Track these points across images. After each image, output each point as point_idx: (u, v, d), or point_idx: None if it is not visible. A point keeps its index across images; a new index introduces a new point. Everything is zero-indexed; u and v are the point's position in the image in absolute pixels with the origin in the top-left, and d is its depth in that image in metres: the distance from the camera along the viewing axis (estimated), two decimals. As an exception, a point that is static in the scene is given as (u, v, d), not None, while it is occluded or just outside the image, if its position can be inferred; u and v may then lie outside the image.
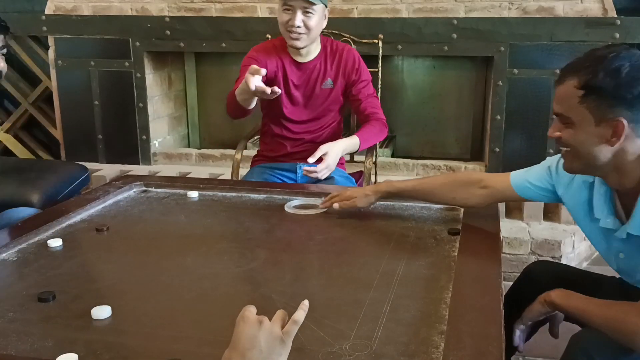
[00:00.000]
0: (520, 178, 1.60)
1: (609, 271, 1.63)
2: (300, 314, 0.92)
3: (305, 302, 0.94)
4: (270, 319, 0.91)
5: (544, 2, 2.98)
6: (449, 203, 1.74)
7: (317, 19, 2.15)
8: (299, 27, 2.12)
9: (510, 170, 3.35)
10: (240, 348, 0.86)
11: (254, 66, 1.91)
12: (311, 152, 2.19)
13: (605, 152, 1.28)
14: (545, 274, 1.63)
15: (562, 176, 1.50)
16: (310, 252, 1.56)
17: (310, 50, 2.25)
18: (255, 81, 1.87)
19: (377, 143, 2.44)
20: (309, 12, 2.12)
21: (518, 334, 1.48)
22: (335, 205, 1.74)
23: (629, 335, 1.23)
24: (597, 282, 1.60)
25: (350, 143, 2.15)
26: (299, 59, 2.25)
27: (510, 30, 3.01)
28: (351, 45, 2.52)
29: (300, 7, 2.11)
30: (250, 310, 0.91)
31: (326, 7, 2.19)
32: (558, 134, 1.34)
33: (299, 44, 2.18)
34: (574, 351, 1.29)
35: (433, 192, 1.71)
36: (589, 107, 1.26)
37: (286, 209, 1.81)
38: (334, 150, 2.08)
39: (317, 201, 1.84)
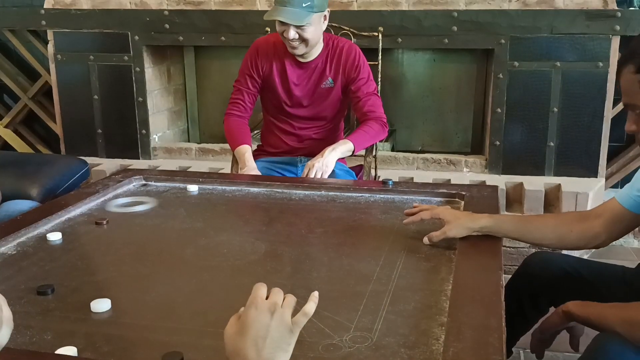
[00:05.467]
0: (625, 192, 1.48)
1: (611, 262, 1.62)
2: (311, 306, 0.92)
3: (315, 294, 0.94)
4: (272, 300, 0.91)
5: (544, -6, 2.97)
6: (560, 242, 1.55)
7: (313, 28, 2.10)
8: (293, 39, 2.10)
9: (511, 164, 3.36)
10: (252, 335, 0.86)
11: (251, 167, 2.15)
12: (313, 148, 2.20)
13: None
14: (546, 265, 1.62)
15: None
16: (310, 244, 1.55)
17: (313, 51, 2.22)
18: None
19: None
20: (302, 26, 2.07)
21: (535, 344, 1.47)
22: (425, 240, 1.48)
23: None
24: (598, 272, 1.58)
25: (343, 149, 2.13)
26: (301, 59, 2.24)
27: (511, 23, 3.00)
28: (351, 39, 2.51)
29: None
30: (262, 296, 0.90)
31: (323, 11, 2.13)
32: (634, 127, 1.29)
33: (297, 52, 2.17)
34: (595, 355, 1.25)
35: (545, 229, 1.52)
36: None
37: (107, 208, 1.77)
38: (324, 154, 2.09)
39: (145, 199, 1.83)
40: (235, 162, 2.37)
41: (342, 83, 2.26)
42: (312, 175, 2.04)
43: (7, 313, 0.88)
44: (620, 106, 3.24)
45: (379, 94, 2.34)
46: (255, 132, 2.71)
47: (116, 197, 1.89)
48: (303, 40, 2.11)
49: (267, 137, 2.43)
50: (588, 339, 1.32)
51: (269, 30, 2.65)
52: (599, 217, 1.50)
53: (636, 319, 1.21)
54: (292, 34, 2.07)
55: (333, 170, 2.16)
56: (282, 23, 2.08)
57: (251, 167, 2.16)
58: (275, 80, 2.26)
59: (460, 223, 1.47)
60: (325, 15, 2.16)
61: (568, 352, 1.39)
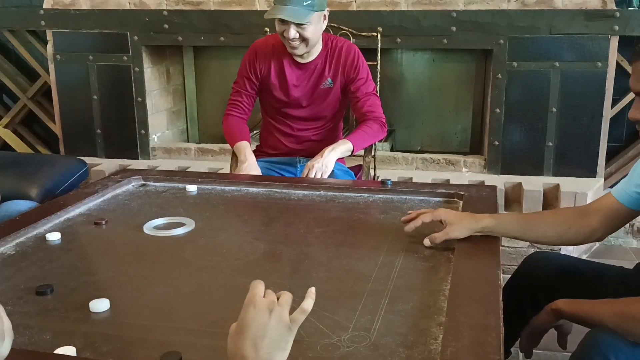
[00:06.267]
0: (622, 188, 1.47)
1: (609, 262, 1.62)
2: (309, 303, 0.92)
3: (312, 289, 0.94)
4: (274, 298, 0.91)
5: (543, -6, 2.97)
6: (560, 239, 1.54)
7: (313, 27, 2.09)
8: (293, 39, 2.08)
9: (510, 164, 3.36)
10: (250, 335, 0.86)
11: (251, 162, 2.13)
12: (312, 149, 2.19)
13: None
14: (545, 264, 1.62)
15: None
16: (309, 244, 1.55)
17: (312, 51, 2.21)
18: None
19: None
20: (303, 25, 2.06)
21: (524, 343, 1.47)
22: (426, 242, 1.46)
23: (637, 326, 1.21)
24: (597, 272, 1.58)
25: (342, 149, 2.13)
26: (300, 60, 2.22)
27: (510, 23, 3.00)
28: (350, 39, 2.51)
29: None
30: (260, 294, 0.90)
31: (323, 10, 2.12)
32: (639, 115, 1.28)
33: (297, 52, 2.16)
34: (588, 349, 1.26)
35: (545, 226, 1.51)
36: None
37: (145, 230, 1.60)
38: (323, 154, 2.08)
39: (184, 220, 1.66)
40: (234, 159, 2.36)
41: (341, 83, 2.26)
42: (311, 176, 2.04)
43: (7, 324, 0.87)
44: (619, 106, 3.25)
45: (378, 94, 2.34)
46: (254, 132, 2.71)
47: (147, 215, 1.71)
48: (303, 39, 2.10)
49: (265, 138, 2.42)
50: (576, 337, 1.33)
51: (268, 30, 2.66)
52: (596, 213, 1.50)
53: (628, 313, 1.23)
54: (293, 33, 2.06)
55: (332, 171, 2.16)
56: (282, 22, 2.07)
57: (251, 162, 2.15)
58: (273, 82, 2.25)
59: (463, 224, 1.47)
60: (325, 15, 2.15)
61: (568, 352, 1.40)
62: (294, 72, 2.24)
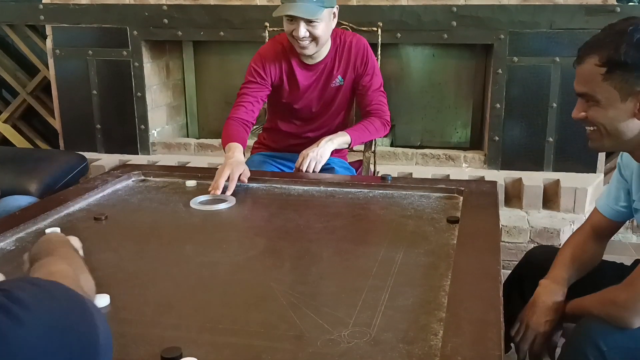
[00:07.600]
0: (606, 204, 1.55)
1: (609, 258, 1.63)
2: None
3: None
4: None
5: (543, -10, 2.96)
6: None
7: (324, 25, 2.01)
8: (304, 38, 2.00)
9: (510, 159, 3.35)
10: None
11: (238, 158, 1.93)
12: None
13: (632, 127, 1.27)
14: (546, 259, 1.62)
15: (626, 164, 1.47)
16: (309, 240, 1.55)
17: (321, 51, 2.13)
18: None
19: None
20: (313, 22, 1.98)
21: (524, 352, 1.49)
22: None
23: (619, 312, 1.27)
24: (598, 267, 1.59)
25: (340, 141, 2.11)
26: (309, 61, 2.15)
27: (510, 18, 3.00)
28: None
29: (302, 19, 1.98)
30: None
31: (333, 7, 2.05)
32: (583, 114, 1.32)
33: (307, 52, 2.08)
34: (579, 337, 1.30)
35: (587, 264, 1.57)
36: (614, 83, 1.24)
37: (192, 205, 1.75)
38: (320, 144, 2.06)
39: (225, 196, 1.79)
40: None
41: (351, 80, 2.20)
42: (305, 165, 2.02)
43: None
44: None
45: (383, 90, 2.30)
46: (255, 127, 2.70)
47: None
48: (313, 38, 2.02)
49: (269, 134, 2.39)
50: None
51: (267, 25, 2.65)
52: (602, 234, 1.58)
53: (607, 298, 1.30)
54: (303, 31, 1.98)
55: (333, 168, 2.15)
56: (291, 22, 2.00)
57: (239, 159, 1.94)
58: (285, 88, 2.19)
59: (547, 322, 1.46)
60: (334, 13, 2.08)
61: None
62: (304, 76, 2.17)
